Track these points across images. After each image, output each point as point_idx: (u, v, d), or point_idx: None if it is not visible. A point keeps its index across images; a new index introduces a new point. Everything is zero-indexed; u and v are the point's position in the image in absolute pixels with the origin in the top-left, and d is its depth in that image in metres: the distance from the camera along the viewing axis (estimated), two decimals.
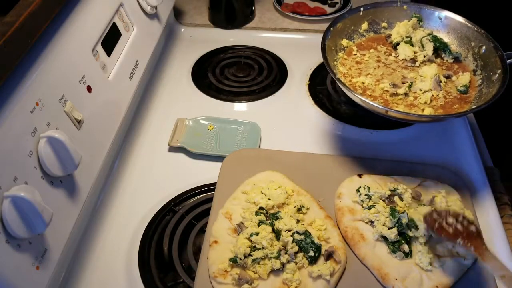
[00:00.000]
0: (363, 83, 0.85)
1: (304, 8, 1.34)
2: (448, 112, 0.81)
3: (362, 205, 0.76)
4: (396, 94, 0.83)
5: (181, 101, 1.06)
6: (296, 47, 1.22)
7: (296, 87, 1.09)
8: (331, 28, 0.88)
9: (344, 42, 0.92)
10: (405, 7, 0.94)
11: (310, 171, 0.84)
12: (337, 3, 1.36)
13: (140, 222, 0.80)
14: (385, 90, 0.84)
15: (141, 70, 0.93)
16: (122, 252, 0.76)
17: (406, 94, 0.83)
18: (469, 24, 0.91)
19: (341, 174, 0.83)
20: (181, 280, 0.73)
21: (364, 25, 0.94)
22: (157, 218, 0.81)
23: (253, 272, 0.68)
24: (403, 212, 0.72)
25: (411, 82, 0.85)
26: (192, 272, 0.73)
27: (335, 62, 0.86)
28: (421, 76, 0.87)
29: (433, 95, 0.83)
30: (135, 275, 0.73)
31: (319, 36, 1.24)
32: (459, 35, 0.92)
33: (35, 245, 0.57)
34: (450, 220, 0.65)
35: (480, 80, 0.85)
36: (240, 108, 1.05)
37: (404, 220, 0.71)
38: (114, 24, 0.84)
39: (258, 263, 0.68)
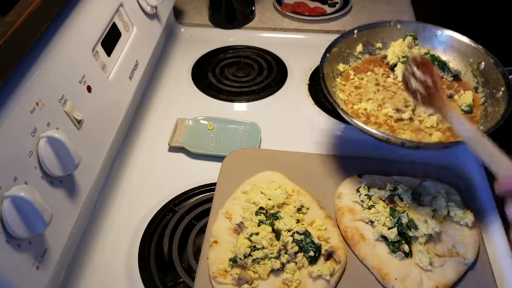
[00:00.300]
0: (365, 109, 0.81)
1: (304, 8, 1.34)
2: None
3: (362, 205, 0.76)
4: (401, 119, 0.80)
5: (181, 101, 1.06)
6: (296, 47, 1.22)
7: (296, 87, 1.09)
8: (328, 54, 0.84)
9: (341, 67, 0.88)
10: (398, 26, 0.90)
11: (310, 171, 0.84)
12: (337, 3, 1.36)
13: (140, 222, 0.80)
14: (389, 116, 0.81)
15: (141, 70, 0.93)
16: (122, 252, 0.76)
17: (411, 119, 0.80)
18: (466, 41, 0.87)
19: (341, 174, 0.83)
20: (181, 280, 0.73)
21: (359, 47, 0.90)
22: (157, 218, 0.81)
23: (253, 272, 0.68)
24: (403, 212, 0.72)
25: (415, 106, 0.81)
26: (192, 272, 0.73)
27: (334, 89, 0.82)
28: None
29: (438, 117, 0.79)
30: (135, 275, 0.73)
31: (319, 36, 1.26)
32: (457, 52, 0.89)
33: (35, 245, 0.57)
34: (418, 73, 0.69)
35: (483, 98, 0.82)
36: (240, 108, 1.05)
37: (404, 220, 0.71)
38: (114, 24, 0.84)
39: (258, 263, 0.68)
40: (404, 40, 0.91)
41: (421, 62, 0.70)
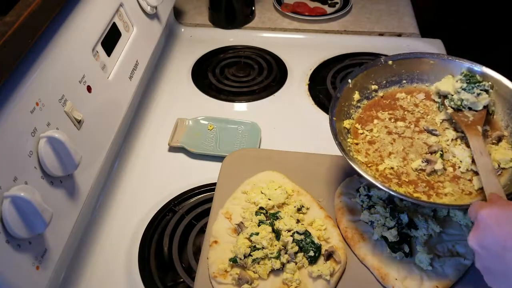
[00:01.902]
0: (391, 168, 0.73)
1: (304, 8, 1.34)
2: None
3: (362, 205, 0.76)
4: (435, 171, 0.72)
5: (181, 101, 1.06)
6: (296, 47, 1.22)
7: (296, 87, 1.09)
8: (334, 118, 0.75)
9: (346, 123, 0.79)
10: (390, 62, 0.83)
11: (310, 171, 0.84)
12: (337, 3, 1.36)
13: (140, 222, 0.80)
14: (421, 170, 0.72)
15: (141, 70, 0.93)
16: (122, 252, 0.76)
17: (444, 168, 0.72)
18: (463, 63, 0.79)
19: (341, 174, 0.83)
20: (181, 280, 0.73)
21: (356, 96, 0.81)
22: (157, 218, 0.81)
23: (253, 272, 0.68)
24: (403, 212, 0.72)
25: (441, 151, 0.73)
26: (192, 272, 0.73)
27: (350, 153, 0.73)
28: (448, 140, 0.76)
29: (468, 160, 0.72)
30: (135, 275, 0.73)
31: (319, 36, 1.26)
32: (455, 76, 0.80)
33: (35, 245, 0.57)
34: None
35: (503, 122, 0.75)
36: (240, 108, 1.05)
37: (404, 220, 0.71)
38: (114, 24, 0.84)
39: (258, 263, 0.68)
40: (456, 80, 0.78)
41: None
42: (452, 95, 0.76)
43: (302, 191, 0.79)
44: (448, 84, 0.77)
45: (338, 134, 0.73)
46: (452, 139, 0.76)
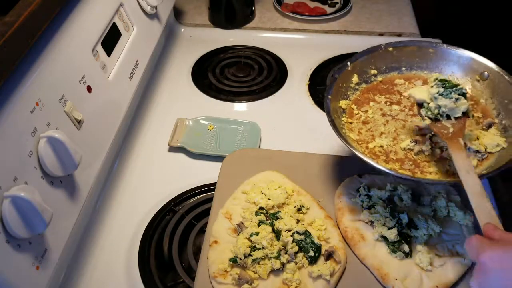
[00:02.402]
0: (381, 146, 0.75)
1: (304, 8, 1.34)
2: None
3: (362, 205, 0.76)
4: (422, 151, 0.74)
5: (181, 101, 1.06)
6: (296, 47, 1.22)
7: (296, 87, 1.09)
8: (329, 97, 0.78)
9: (342, 103, 0.81)
10: (390, 48, 0.85)
11: (310, 171, 0.84)
12: (337, 3, 1.36)
13: (140, 222, 0.80)
14: (408, 150, 0.75)
15: (141, 70, 0.93)
16: (122, 252, 0.76)
17: (432, 149, 0.74)
18: (462, 52, 0.82)
19: (341, 174, 0.83)
20: (181, 280, 0.73)
21: (355, 79, 0.84)
22: (157, 218, 0.81)
23: (253, 272, 0.68)
24: (403, 212, 0.72)
25: (431, 134, 0.75)
26: (192, 272, 0.73)
27: (343, 130, 0.76)
28: None
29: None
30: (135, 275, 0.73)
31: (319, 36, 1.26)
32: (456, 65, 0.83)
33: (35, 245, 0.57)
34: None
35: (495, 111, 0.77)
36: (240, 108, 1.05)
37: (404, 220, 0.71)
38: (114, 24, 0.84)
39: (258, 263, 0.68)
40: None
41: None
42: (428, 103, 0.71)
43: (302, 191, 0.79)
44: (423, 91, 0.72)
45: (332, 112, 0.75)
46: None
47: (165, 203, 0.83)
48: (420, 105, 0.72)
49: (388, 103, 0.83)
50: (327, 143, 0.94)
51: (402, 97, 0.83)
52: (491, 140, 0.73)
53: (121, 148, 0.93)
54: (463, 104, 0.69)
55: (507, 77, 0.76)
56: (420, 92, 0.72)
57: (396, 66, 0.87)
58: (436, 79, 0.71)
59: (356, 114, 0.81)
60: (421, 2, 1.45)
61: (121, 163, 0.91)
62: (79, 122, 0.69)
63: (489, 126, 0.76)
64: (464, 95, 0.69)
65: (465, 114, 0.70)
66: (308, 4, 1.36)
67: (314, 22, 1.29)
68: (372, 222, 0.73)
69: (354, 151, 0.69)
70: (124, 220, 0.81)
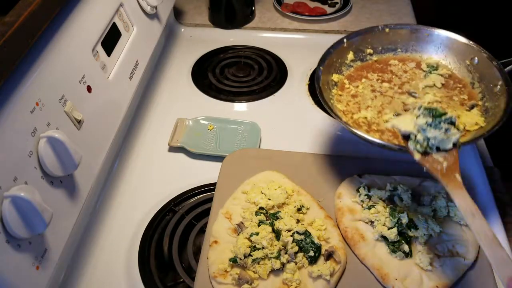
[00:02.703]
0: (365, 117, 0.79)
1: (304, 8, 1.34)
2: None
3: (362, 205, 0.76)
4: None
5: (181, 101, 1.06)
6: (296, 47, 1.22)
7: (296, 87, 1.09)
8: (321, 67, 0.82)
9: (335, 77, 0.86)
10: (387, 30, 0.89)
11: (310, 171, 0.84)
12: (337, 3, 1.36)
13: (140, 222, 0.80)
14: None
15: (141, 70, 0.93)
16: (122, 252, 0.76)
17: None
18: (456, 37, 0.87)
19: (341, 174, 0.83)
20: (181, 280, 0.73)
21: (350, 55, 0.89)
22: (157, 218, 0.81)
23: (253, 272, 0.68)
24: (403, 212, 0.72)
25: (414, 109, 0.77)
26: (192, 272, 0.73)
27: (332, 101, 0.80)
28: (425, 103, 0.81)
29: None
30: (135, 275, 0.73)
31: (319, 36, 1.26)
32: (448, 50, 0.88)
33: (35, 245, 0.58)
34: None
35: (481, 94, 0.81)
36: (240, 108, 1.05)
37: (404, 220, 0.71)
38: (114, 24, 0.84)
39: (258, 263, 0.68)
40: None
41: None
42: (416, 136, 0.65)
43: (302, 191, 0.79)
44: (408, 121, 0.67)
45: (321, 82, 0.79)
46: (428, 102, 0.81)
47: (165, 203, 0.83)
48: (407, 137, 0.67)
49: (379, 81, 0.87)
50: (327, 143, 0.94)
51: (393, 76, 0.87)
52: (471, 119, 0.76)
53: (121, 148, 0.93)
54: (454, 135, 0.64)
55: (494, 63, 0.80)
56: (405, 123, 0.67)
57: (392, 48, 0.91)
58: (421, 107, 0.67)
59: (347, 88, 0.85)
60: (421, 2, 1.45)
61: (121, 163, 0.91)
62: (79, 122, 0.69)
63: (472, 107, 0.79)
64: (453, 123, 0.65)
65: (455, 145, 0.65)
66: (308, 4, 1.36)
67: (314, 22, 1.29)
68: (372, 222, 0.73)
69: (335, 117, 0.74)
70: (124, 220, 0.81)
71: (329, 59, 0.85)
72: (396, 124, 0.68)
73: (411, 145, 0.66)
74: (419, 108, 0.66)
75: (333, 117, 0.74)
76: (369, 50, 0.90)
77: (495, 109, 0.76)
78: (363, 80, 0.87)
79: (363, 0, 1.39)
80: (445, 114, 0.65)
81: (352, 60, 0.88)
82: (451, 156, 0.63)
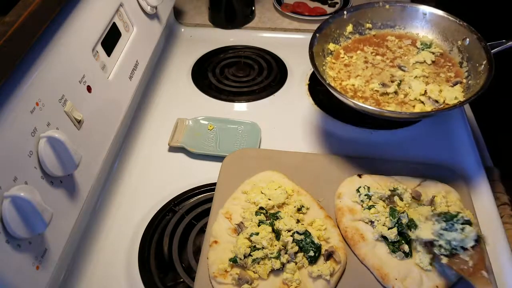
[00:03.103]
0: (353, 85, 0.86)
1: (304, 8, 1.34)
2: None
3: (362, 205, 0.76)
4: (387, 94, 0.84)
5: (181, 101, 1.06)
6: (296, 47, 1.22)
7: (296, 87, 1.09)
8: (317, 34, 0.88)
9: (331, 46, 0.92)
10: (387, 6, 0.94)
11: (310, 171, 0.84)
12: (337, 3, 1.36)
13: (140, 222, 0.80)
14: (375, 90, 0.85)
15: (141, 70, 0.93)
16: (122, 252, 0.76)
17: (396, 93, 0.85)
18: (451, 18, 0.92)
19: (341, 174, 0.83)
20: (181, 280, 0.73)
21: (349, 28, 0.94)
22: (157, 218, 0.81)
23: (253, 272, 0.68)
24: (403, 212, 0.72)
25: (400, 81, 0.86)
26: (192, 272, 0.73)
27: (324, 67, 0.87)
28: (412, 76, 0.88)
29: (421, 90, 0.84)
30: (135, 275, 0.73)
31: None
32: (443, 30, 0.94)
33: (35, 245, 0.58)
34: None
35: (467, 72, 0.86)
36: (240, 108, 1.05)
37: (404, 220, 0.71)
38: (114, 24, 0.84)
39: (258, 263, 0.68)
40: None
41: None
42: (438, 241, 0.66)
43: (302, 191, 0.79)
44: (427, 229, 0.68)
45: (315, 49, 0.85)
46: (415, 76, 0.87)
47: (165, 203, 0.83)
48: (431, 243, 0.68)
49: (373, 54, 0.93)
50: (327, 143, 0.94)
51: (387, 51, 0.93)
52: (452, 93, 0.82)
53: (121, 148, 0.93)
54: (471, 232, 0.65)
55: (483, 43, 0.86)
56: (425, 233, 0.68)
57: (391, 24, 0.97)
58: (434, 214, 0.69)
59: (342, 57, 0.92)
60: (421, 2, 1.45)
61: (121, 163, 0.91)
62: (79, 122, 0.69)
63: (456, 84, 0.86)
64: (468, 222, 0.66)
65: (478, 241, 0.66)
66: (308, 4, 1.36)
67: (314, 22, 1.29)
68: (372, 222, 0.73)
69: (323, 81, 0.80)
70: (124, 220, 0.81)
71: (327, 29, 0.91)
72: (419, 235, 0.69)
73: (436, 251, 0.67)
74: (433, 216, 0.69)
75: (321, 81, 0.80)
76: (368, 25, 0.95)
77: (475, 86, 0.81)
78: (358, 52, 0.93)
79: (363, 0, 1.38)
80: (456, 216, 0.67)
81: (350, 32, 0.94)
82: (476, 253, 0.65)
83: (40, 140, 0.60)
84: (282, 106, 1.04)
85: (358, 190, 0.78)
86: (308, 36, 1.26)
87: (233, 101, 1.06)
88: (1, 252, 0.52)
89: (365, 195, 0.76)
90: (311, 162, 0.85)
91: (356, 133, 0.95)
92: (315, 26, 1.28)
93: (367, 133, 0.95)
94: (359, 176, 0.81)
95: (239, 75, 1.14)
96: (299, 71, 1.13)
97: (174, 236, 0.78)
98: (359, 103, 0.78)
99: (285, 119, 1.01)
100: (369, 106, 0.79)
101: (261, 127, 0.96)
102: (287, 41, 1.25)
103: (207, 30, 1.29)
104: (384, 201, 0.76)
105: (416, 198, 0.76)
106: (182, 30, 1.29)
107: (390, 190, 0.77)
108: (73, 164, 0.63)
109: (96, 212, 0.82)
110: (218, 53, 1.20)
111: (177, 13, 1.32)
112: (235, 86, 1.10)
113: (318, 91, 1.07)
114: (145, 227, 0.80)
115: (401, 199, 0.75)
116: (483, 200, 0.82)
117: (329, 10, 1.34)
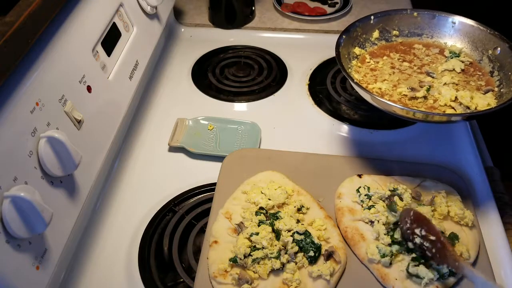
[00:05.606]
0: (380, 88, 0.83)
1: (304, 8, 1.34)
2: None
3: (362, 205, 0.76)
4: (415, 98, 0.81)
5: (181, 101, 1.06)
6: (296, 47, 1.22)
7: (296, 87, 1.09)
8: (344, 36, 0.87)
9: (357, 50, 0.90)
10: (415, 14, 0.92)
11: (310, 171, 0.84)
12: (337, 3, 1.36)
13: (140, 222, 0.80)
14: (403, 95, 0.82)
15: (141, 70, 0.93)
16: (122, 252, 0.76)
17: (425, 98, 0.81)
18: (482, 27, 0.89)
19: (341, 174, 0.83)
20: (181, 280, 0.73)
21: (375, 34, 0.93)
22: (157, 218, 0.81)
23: (253, 272, 0.68)
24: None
25: (429, 86, 0.83)
26: (192, 272, 0.73)
27: (349, 70, 0.84)
28: (441, 83, 0.85)
29: (452, 96, 0.80)
30: (135, 275, 0.73)
31: (319, 36, 1.26)
32: (472, 39, 0.91)
33: (35, 245, 0.57)
34: (418, 232, 0.67)
35: (498, 81, 0.84)
36: (240, 108, 1.05)
37: (397, 235, 0.71)
38: (114, 24, 0.84)
39: (258, 263, 0.68)
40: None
41: (415, 219, 0.68)
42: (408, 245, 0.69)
43: (302, 191, 0.79)
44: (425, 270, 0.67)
45: (342, 49, 0.83)
46: (445, 83, 0.84)
47: (165, 203, 0.83)
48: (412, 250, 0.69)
49: (400, 60, 0.90)
50: (327, 143, 0.94)
51: (415, 58, 0.91)
52: (484, 100, 0.79)
53: (121, 148, 0.93)
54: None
55: None
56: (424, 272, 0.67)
57: (418, 32, 0.95)
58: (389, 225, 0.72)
59: (368, 62, 0.90)
60: (421, 2, 1.45)
61: (121, 163, 0.91)
62: (79, 122, 0.69)
63: (487, 91, 0.82)
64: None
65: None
66: (308, 4, 1.36)
67: (314, 22, 1.29)
68: (372, 222, 0.73)
69: (348, 77, 0.78)
70: (124, 220, 0.81)
71: (353, 31, 0.89)
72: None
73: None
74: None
75: (347, 78, 0.79)
76: (395, 32, 0.94)
77: (508, 93, 0.79)
78: (385, 57, 0.91)
79: (363, 0, 1.38)
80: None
81: (377, 38, 0.92)
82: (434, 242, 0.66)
83: (40, 140, 0.60)
84: (282, 106, 1.04)
85: (358, 190, 0.78)
86: (308, 36, 1.28)
87: (233, 101, 1.06)
88: (1, 252, 0.52)
89: (365, 195, 0.77)
90: (311, 162, 0.85)
91: (356, 133, 0.95)
92: (315, 26, 1.29)
93: (367, 133, 0.95)
94: (359, 176, 0.81)
95: (239, 75, 1.14)
96: (299, 71, 1.13)
97: (174, 236, 0.78)
98: (389, 103, 0.74)
99: (285, 119, 1.01)
100: (414, 109, 0.74)
101: (261, 127, 0.96)
102: (287, 41, 1.25)
103: (207, 30, 1.29)
104: (384, 201, 0.76)
105: (416, 198, 0.76)
106: (182, 30, 1.29)
107: (390, 190, 0.77)
108: (73, 164, 0.63)
109: (96, 212, 0.82)
110: (218, 53, 1.20)
111: (177, 13, 1.32)
112: (235, 86, 1.10)
113: (318, 91, 1.07)
114: (145, 227, 0.80)
115: (401, 199, 0.75)
116: (483, 200, 0.82)
117: (329, 10, 1.34)
